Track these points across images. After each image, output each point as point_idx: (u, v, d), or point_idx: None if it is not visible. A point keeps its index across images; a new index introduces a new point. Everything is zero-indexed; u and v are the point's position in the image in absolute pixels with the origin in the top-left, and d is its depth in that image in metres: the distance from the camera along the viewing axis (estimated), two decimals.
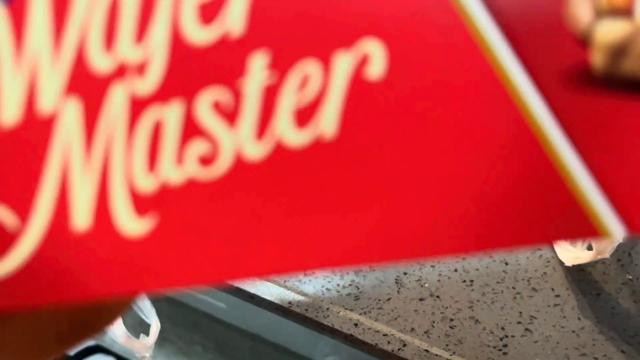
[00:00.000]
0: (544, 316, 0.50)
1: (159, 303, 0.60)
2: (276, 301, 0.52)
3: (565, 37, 0.13)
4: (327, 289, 0.51)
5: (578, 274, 0.51)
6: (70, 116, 0.13)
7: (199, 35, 0.13)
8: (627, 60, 0.13)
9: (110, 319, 0.18)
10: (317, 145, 0.13)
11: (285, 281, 0.52)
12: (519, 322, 0.49)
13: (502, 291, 0.51)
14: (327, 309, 0.50)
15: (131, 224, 0.13)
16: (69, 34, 0.13)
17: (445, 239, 0.13)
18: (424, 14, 0.13)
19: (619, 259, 0.52)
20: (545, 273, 0.52)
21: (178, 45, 0.13)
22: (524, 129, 0.13)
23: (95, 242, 0.13)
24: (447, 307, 0.50)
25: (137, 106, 0.13)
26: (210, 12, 0.13)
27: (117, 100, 0.13)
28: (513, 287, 0.51)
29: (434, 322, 0.49)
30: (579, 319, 0.49)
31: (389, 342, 0.49)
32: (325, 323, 0.50)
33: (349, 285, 0.51)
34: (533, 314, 0.50)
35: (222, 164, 0.13)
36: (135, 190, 0.13)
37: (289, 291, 0.52)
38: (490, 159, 0.13)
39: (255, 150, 0.13)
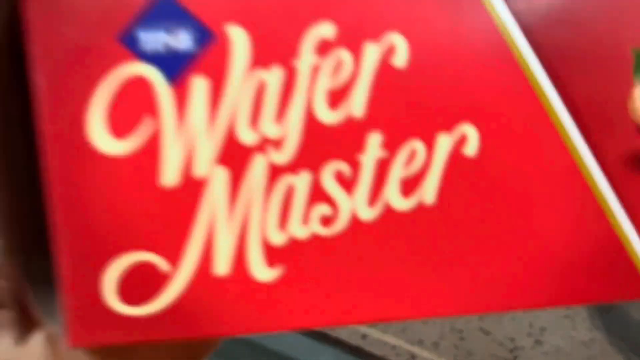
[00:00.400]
0: (554, 327, 0.51)
1: None
2: None
3: (629, 127, 0.16)
4: None
5: None
6: (218, 180, 0.16)
7: (327, 116, 0.16)
8: None
9: (211, 351, 0.21)
10: (420, 210, 0.17)
11: None
12: (529, 334, 0.51)
13: None
14: None
15: (263, 272, 0.16)
16: (222, 111, 0.16)
17: (527, 293, 0.17)
18: (513, 105, 0.16)
19: None
20: None
21: (310, 124, 0.16)
22: (594, 205, 0.16)
23: (232, 286, 0.16)
24: (456, 319, 0.51)
25: (274, 174, 0.16)
26: (337, 97, 0.16)
27: (257, 169, 0.16)
28: None
29: (442, 333, 0.51)
30: (589, 330, 0.51)
31: (397, 354, 0.50)
32: (332, 334, 0.51)
33: None
34: (543, 325, 0.51)
35: (340, 224, 0.16)
36: (268, 244, 0.16)
37: None
38: (565, 229, 0.17)
39: (368, 213, 0.17)
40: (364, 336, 0.49)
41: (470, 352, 0.49)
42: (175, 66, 0.15)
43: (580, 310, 0.51)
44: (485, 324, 0.51)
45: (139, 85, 0.15)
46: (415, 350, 0.49)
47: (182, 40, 0.15)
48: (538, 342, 0.50)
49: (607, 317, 0.51)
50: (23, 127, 0.17)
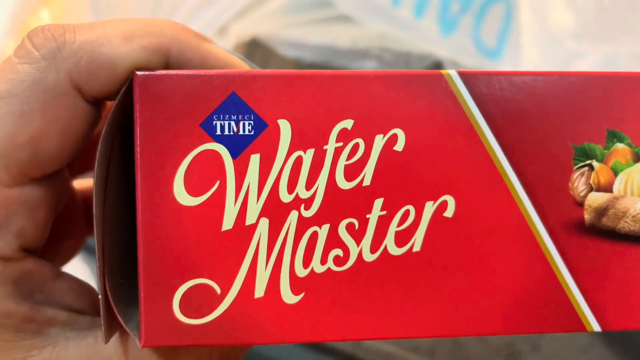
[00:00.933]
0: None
1: None
2: None
3: (570, 201, 0.25)
4: None
5: None
6: (262, 227, 0.25)
7: (344, 185, 0.25)
8: (604, 218, 0.26)
9: (242, 355, 0.30)
10: (409, 255, 0.26)
11: None
12: (526, 339, 0.54)
13: None
14: None
15: (289, 297, 0.25)
16: (269, 179, 0.25)
17: (483, 322, 0.26)
18: (481, 181, 0.25)
19: None
20: None
21: (332, 190, 0.25)
22: (541, 256, 0.26)
23: (266, 306, 0.25)
24: None
25: (302, 224, 0.25)
26: (352, 171, 0.25)
27: (291, 219, 0.25)
28: None
29: (438, 340, 0.54)
30: (587, 336, 0.54)
31: None
32: (326, 343, 0.54)
33: None
34: None
35: (349, 263, 0.25)
36: (294, 276, 0.25)
37: None
38: (517, 273, 0.26)
39: (370, 256, 0.26)
40: (357, 344, 0.52)
41: (467, 358, 0.52)
42: (239, 146, 0.24)
43: None
44: None
45: (213, 158, 0.24)
46: (411, 357, 0.52)
47: (244, 127, 0.24)
48: (535, 348, 0.53)
49: None
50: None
